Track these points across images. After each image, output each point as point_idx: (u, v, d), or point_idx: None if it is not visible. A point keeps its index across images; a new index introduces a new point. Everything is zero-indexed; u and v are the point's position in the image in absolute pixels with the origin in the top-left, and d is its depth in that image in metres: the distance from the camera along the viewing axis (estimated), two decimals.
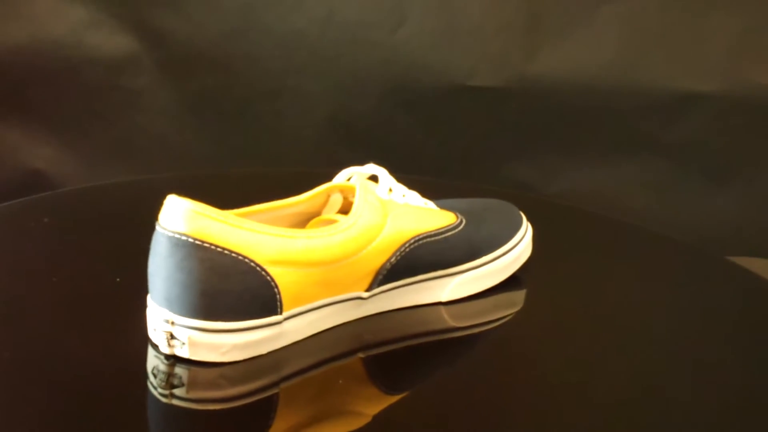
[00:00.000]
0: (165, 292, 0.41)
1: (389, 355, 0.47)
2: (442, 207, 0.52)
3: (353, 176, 0.49)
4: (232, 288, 0.41)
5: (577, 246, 0.57)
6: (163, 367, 0.42)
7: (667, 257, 0.64)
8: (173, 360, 0.42)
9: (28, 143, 1.08)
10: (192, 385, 0.41)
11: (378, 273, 0.46)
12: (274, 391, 0.42)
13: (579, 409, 0.42)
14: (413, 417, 0.40)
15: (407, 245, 0.47)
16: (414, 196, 0.50)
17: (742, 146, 1.02)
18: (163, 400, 0.40)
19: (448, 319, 0.49)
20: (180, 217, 0.40)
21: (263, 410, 0.41)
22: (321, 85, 1.06)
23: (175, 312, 0.41)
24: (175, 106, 1.09)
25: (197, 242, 0.40)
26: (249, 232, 0.41)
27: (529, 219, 0.55)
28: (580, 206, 0.82)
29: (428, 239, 0.48)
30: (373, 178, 0.50)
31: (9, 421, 0.37)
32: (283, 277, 0.42)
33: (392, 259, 0.46)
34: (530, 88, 1.03)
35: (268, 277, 0.42)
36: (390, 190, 0.49)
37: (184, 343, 0.41)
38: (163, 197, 0.42)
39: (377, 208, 0.46)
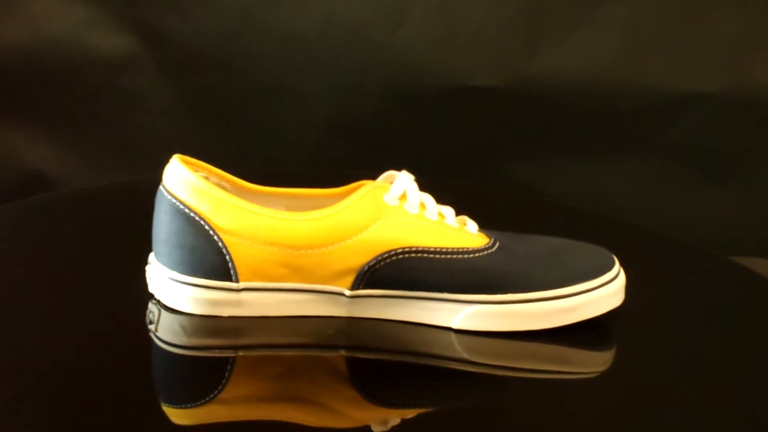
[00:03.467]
0: (152, 233, 0.47)
1: (375, 362, 0.46)
2: (492, 234, 0.48)
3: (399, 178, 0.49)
4: (184, 244, 0.45)
5: None
6: (150, 304, 0.48)
7: (668, 257, 0.64)
8: (155, 299, 0.48)
9: (28, 143, 1.08)
10: (158, 323, 0.46)
11: (359, 273, 0.45)
12: (230, 354, 0.44)
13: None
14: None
15: (393, 253, 0.45)
16: (436, 211, 0.48)
17: (742, 146, 1.02)
18: (148, 331, 0.46)
19: (458, 347, 0.46)
20: (168, 173, 0.46)
21: (216, 369, 0.43)
22: (321, 85, 1.06)
23: (154, 253, 0.47)
24: (175, 106, 1.09)
25: (168, 196, 0.45)
26: (214, 198, 0.45)
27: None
28: (580, 206, 0.82)
29: (426, 255, 0.45)
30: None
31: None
32: (237, 247, 0.45)
33: (373, 263, 0.45)
34: (530, 88, 1.03)
35: (220, 243, 0.45)
36: (404, 197, 0.47)
37: (154, 284, 0.47)
38: None
39: (366, 209, 0.45)
